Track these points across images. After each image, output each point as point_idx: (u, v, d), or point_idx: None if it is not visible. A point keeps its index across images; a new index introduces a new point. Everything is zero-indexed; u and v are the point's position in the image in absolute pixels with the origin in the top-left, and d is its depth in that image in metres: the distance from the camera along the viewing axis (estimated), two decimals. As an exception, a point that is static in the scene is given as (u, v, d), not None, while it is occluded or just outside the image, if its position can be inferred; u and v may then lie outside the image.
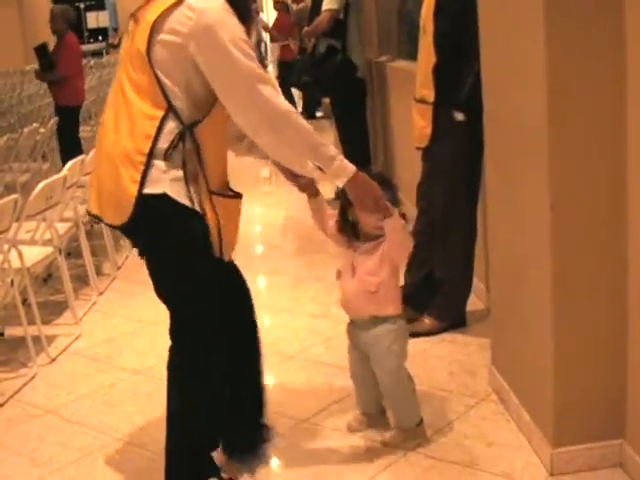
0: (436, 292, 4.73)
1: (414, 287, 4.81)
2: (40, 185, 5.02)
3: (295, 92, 15.17)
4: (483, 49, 3.75)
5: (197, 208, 3.07)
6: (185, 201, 3.04)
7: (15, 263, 4.73)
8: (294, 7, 14.68)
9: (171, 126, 3.02)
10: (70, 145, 9.16)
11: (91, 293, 5.93)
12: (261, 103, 2.99)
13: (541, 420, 3.35)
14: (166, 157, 3.02)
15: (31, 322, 4.91)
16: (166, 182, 3.02)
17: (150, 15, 3.03)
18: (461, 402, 3.90)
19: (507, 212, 3.63)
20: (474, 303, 4.90)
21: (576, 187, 3.06)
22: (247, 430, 3.62)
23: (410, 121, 4.71)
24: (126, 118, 3.06)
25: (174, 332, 3.26)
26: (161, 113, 3.01)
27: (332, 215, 3.52)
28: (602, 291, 3.14)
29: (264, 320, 5.31)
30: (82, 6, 32.10)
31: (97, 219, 3.20)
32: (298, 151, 3.10)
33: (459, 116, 4.35)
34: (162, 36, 2.99)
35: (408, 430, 3.57)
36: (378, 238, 3.39)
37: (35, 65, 10.40)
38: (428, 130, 4.50)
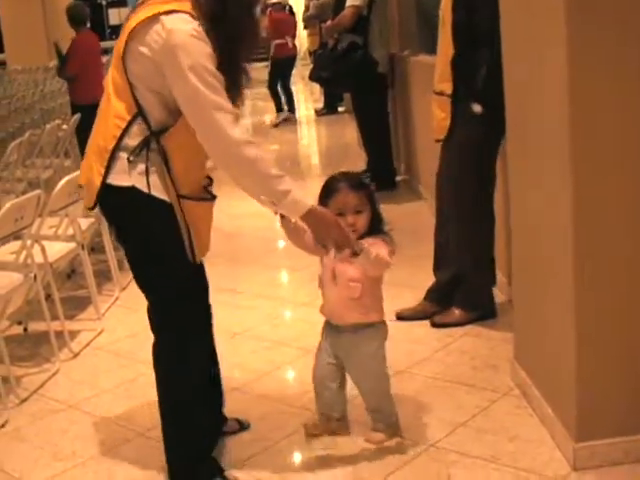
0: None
1: (446, 285, 4.80)
2: (62, 181, 5.05)
3: (317, 87, 15.22)
4: (504, 42, 3.74)
5: (167, 199, 3.15)
6: (155, 193, 3.13)
7: (38, 259, 4.75)
8: (315, 1, 14.68)
9: (139, 129, 3.12)
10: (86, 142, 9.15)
11: (114, 288, 5.95)
12: (215, 131, 3.04)
13: (564, 414, 3.33)
14: (133, 154, 3.11)
15: (54, 317, 4.94)
16: (134, 175, 3.12)
17: (133, 20, 3.08)
18: (484, 396, 3.89)
19: (530, 203, 3.62)
20: (496, 295, 4.87)
21: (599, 176, 3.04)
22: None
23: (431, 115, 4.70)
24: (105, 114, 3.20)
25: (150, 319, 3.37)
26: (129, 116, 3.11)
27: (305, 229, 3.40)
28: (625, 284, 3.12)
29: (285, 314, 5.33)
30: (104, 3, 32.18)
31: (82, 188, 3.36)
32: (250, 182, 3.14)
33: (477, 108, 4.35)
34: (137, 45, 3.06)
35: (390, 427, 3.52)
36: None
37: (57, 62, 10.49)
38: (447, 122, 4.51)
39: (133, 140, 3.12)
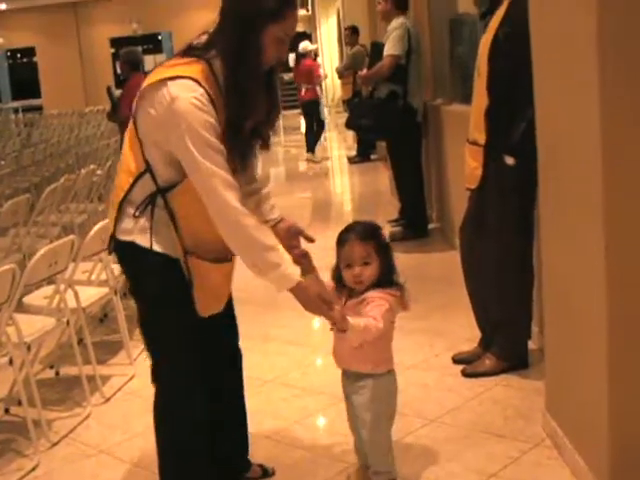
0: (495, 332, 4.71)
1: (489, 332, 4.79)
2: (97, 226, 5.08)
3: (350, 135, 15.31)
4: (537, 91, 3.74)
5: (172, 255, 3.22)
6: (157, 249, 3.20)
7: (71, 303, 4.79)
8: (348, 50, 14.81)
9: (146, 185, 3.20)
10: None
11: (146, 333, 5.94)
12: (212, 196, 3.10)
13: (596, 466, 3.29)
14: (138, 210, 3.20)
15: (86, 362, 4.96)
16: (135, 231, 3.21)
17: (146, 82, 3.19)
18: (515, 447, 3.85)
19: (562, 253, 3.60)
20: (528, 344, 4.84)
21: (631, 227, 3.03)
22: (230, 465, 3.71)
23: (464, 164, 4.71)
24: (120, 168, 3.32)
25: (152, 373, 3.41)
26: (138, 171, 3.21)
27: (328, 286, 3.45)
28: (658, 336, 3.10)
29: (316, 362, 5.30)
30: (140, 49, 32.58)
31: None
32: (242, 249, 3.18)
33: (509, 160, 4.34)
34: (145, 106, 3.16)
35: None
36: (364, 293, 3.36)
37: (93, 107, 10.70)
38: (479, 172, 4.51)
39: (140, 195, 3.21)
